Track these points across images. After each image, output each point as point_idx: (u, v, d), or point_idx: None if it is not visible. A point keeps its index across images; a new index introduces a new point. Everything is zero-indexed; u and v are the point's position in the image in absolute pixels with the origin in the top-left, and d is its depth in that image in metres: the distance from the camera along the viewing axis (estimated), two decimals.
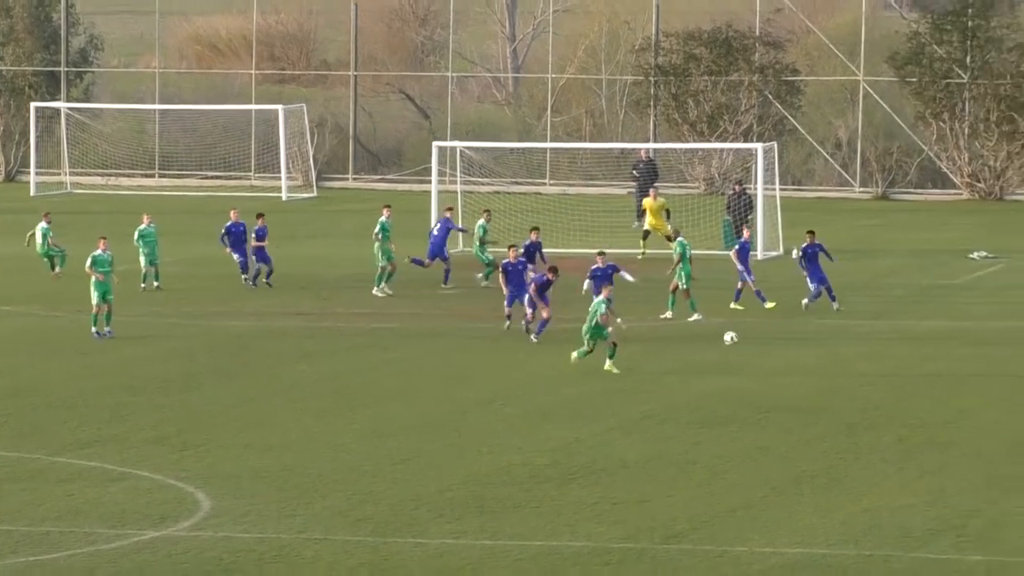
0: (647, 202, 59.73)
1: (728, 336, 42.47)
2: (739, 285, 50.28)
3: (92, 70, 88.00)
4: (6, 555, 27.53)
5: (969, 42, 76.32)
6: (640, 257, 57.52)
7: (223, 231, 53.41)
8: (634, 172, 68.69)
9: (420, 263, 53.85)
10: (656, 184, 65.10)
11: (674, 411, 37.53)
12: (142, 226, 52.87)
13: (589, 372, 40.89)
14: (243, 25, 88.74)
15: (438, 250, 53.68)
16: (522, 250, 47.32)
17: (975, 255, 61.17)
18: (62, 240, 55.95)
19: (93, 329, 45.11)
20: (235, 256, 53.17)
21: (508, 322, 44.81)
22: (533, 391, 39.63)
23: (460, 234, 59.55)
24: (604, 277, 44.99)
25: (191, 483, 31.31)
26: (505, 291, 45.03)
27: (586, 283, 45.33)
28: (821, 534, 27.96)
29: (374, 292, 50.43)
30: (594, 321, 40.52)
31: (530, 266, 47.09)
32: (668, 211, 59.35)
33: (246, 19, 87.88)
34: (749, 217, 57.95)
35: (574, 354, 40.01)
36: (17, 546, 27.78)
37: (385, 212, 52.28)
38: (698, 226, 60.90)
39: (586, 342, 40.06)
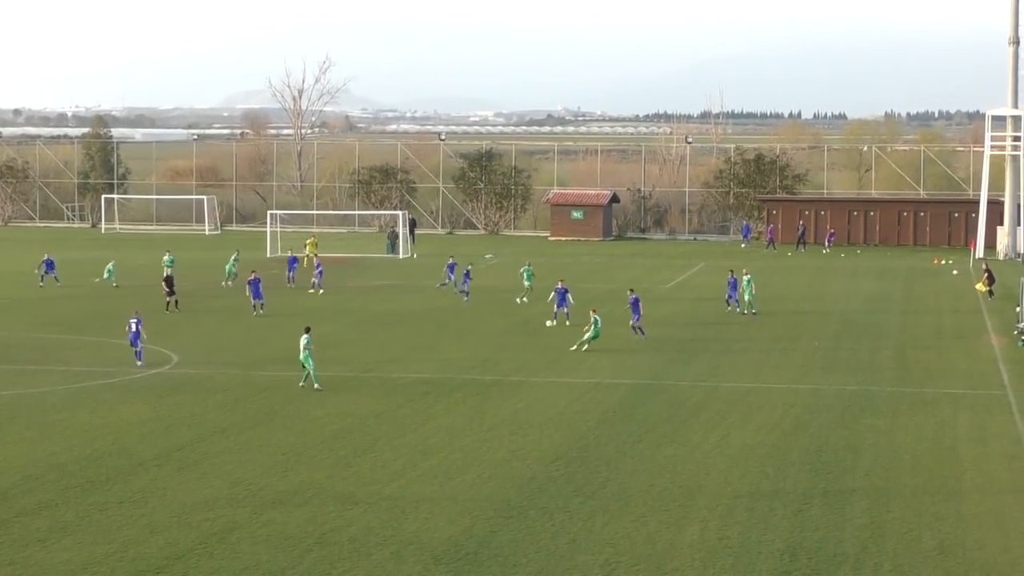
0: (309, 239, 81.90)
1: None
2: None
3: (127, 182, 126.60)
4: (88, 380, 34.81)
5: (484, 171, 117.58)
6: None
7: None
8: (388, 230, 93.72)
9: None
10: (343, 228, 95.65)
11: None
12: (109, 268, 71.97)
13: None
14: (189, 163, 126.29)
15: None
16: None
17: (488, 256, 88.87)
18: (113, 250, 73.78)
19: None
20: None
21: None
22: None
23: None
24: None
25: (172, 351, 45.39)
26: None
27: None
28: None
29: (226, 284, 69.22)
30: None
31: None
32: (316, 243, 79.85)
33: (190, 161, 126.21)
34: (397, 241, 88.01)
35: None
36: (88, 377, 35.86)
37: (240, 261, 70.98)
38: (379, 242, 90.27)
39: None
